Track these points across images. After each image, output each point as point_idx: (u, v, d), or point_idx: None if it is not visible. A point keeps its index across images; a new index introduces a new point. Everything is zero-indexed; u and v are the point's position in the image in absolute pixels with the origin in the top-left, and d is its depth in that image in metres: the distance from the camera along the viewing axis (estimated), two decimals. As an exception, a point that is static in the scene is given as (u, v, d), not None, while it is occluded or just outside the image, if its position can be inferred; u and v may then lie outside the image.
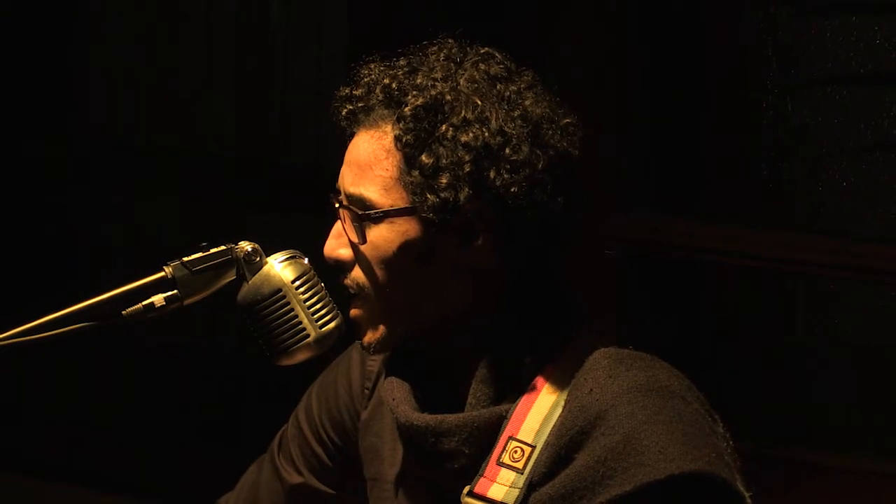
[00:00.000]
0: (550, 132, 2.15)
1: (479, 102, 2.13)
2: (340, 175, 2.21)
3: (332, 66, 4.46)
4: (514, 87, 2.16)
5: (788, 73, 3.83)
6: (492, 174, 2.11)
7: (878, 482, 3.56)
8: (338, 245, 2.21)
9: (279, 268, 2.20)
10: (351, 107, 2.21)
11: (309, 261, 2.23)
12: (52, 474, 4.64)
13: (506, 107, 2.14)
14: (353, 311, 2.21)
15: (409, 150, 2.13)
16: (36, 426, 4.77)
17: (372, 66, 2.22)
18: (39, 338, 2.10)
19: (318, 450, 2.45)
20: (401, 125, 2.14)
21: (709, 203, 3.91)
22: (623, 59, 3.82)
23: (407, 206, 2.14)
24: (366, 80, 2.21)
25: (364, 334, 2.22)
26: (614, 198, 3.78)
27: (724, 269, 3.87)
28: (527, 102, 2.16)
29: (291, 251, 2.23)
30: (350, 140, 2.22)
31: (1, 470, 4.70)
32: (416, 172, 2.12)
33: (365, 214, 2.16)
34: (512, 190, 2.11)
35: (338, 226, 2.21)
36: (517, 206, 2.12)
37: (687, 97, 3.88)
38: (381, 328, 2.20)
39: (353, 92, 2.21)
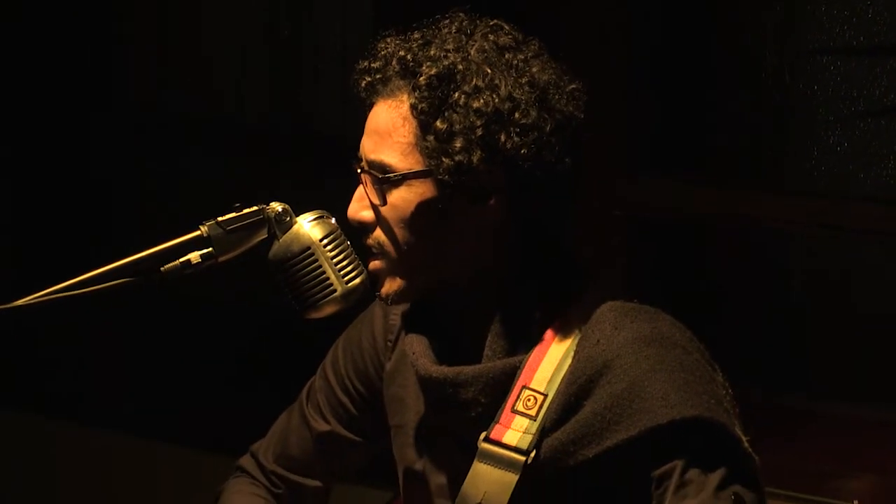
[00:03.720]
0: (557, 97, 2.22)
1: (489, 71, 2.20)
2: (361, 143, 2.28)
3: (357, 38, 4.50)
4: (521, 56, 2.23)
5: (786, 45, 3.85)
6: (502, 137, 2.18)
7: (874, 429, 3.59)
8: (360, 208, 2.28)
9: (308, 227, 2.26)
10: (369, 78, 2.28)
11: (336, 220, 2.29)
12: (92, 421, 4.69)
13: (514, 74, 2.21)
14: (373, 264, 2.28)
15: (424, 118, 2.21)
16: (78, 376, 4.81)
17: (388, 39, 2.29)
18: (82, 293, 2.15)
19: (344, 399, 2.51)
20: (416, 94, 2.21)
21: (716, 168, 3.94)
22: (630, 27, 3.81)
23: (423, 169, 2.22)
24: (382, 53, 2.27)
25: (382, 285, 2.29)
26: (623, 161, 3.78)
27: (726, 230, 3.90)
28: (534, 69, 2.22)
29: (319, 211, 2.29)
30: (369, 110, 2.29)
31: (43, 417, 4.76)
32: (431, 138, 2.20)
33: (385, 178, 2.23)
34: (522, 152, 2.19)
35: (360, 190, 2.28)
36: (527, 168, 2.19)
37: (694, 65, 3.87)
38: (399, 280, 2.27)
39: (371, 65, 2.28)
